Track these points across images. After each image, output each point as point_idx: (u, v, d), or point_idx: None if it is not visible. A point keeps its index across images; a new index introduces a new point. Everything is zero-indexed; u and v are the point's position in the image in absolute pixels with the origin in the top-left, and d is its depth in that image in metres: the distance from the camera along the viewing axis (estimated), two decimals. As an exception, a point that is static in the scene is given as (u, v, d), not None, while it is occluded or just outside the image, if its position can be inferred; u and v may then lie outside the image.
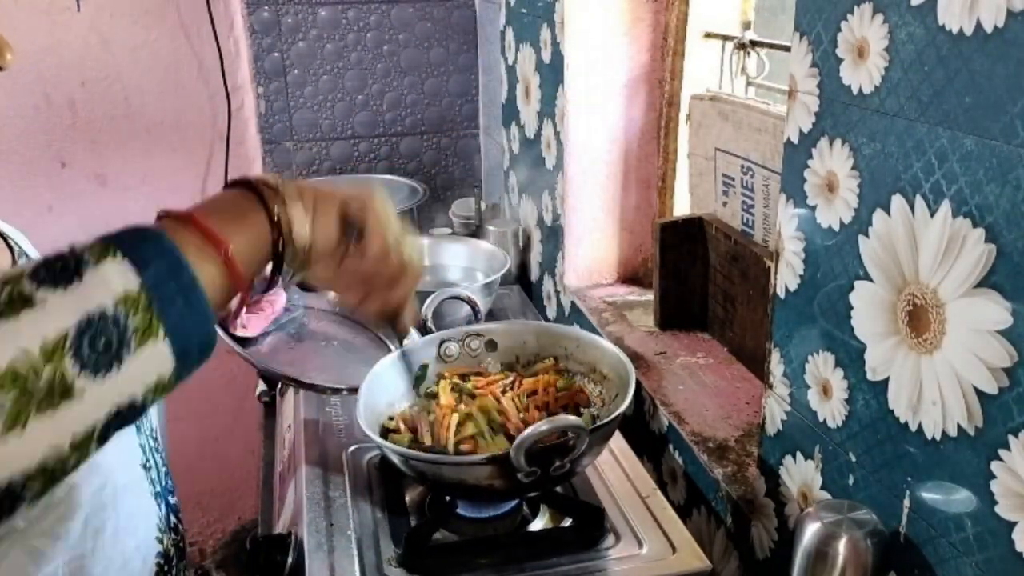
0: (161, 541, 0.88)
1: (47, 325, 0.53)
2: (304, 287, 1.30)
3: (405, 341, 1.00)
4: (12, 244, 0.88)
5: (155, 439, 0.88)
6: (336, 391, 1.30)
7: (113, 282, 0.56)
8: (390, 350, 1.33)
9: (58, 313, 0.54)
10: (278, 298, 1.23)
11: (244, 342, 1.14)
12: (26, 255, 0.88)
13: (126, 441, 0.84)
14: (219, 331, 1.11)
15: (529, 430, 0.92)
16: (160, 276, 0.58)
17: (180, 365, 0.59)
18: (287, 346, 1.23)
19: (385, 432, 1.10)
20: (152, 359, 0.57)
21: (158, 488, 0.90)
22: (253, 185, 0.69)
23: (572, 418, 0.97)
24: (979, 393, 0.70)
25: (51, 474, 0.53)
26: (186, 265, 0.60)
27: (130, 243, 0.59)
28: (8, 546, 0.72)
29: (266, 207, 0.68)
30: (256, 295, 0.76)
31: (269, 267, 0.70)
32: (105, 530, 0.79)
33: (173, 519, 0.93)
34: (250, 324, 1.16)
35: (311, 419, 1.28)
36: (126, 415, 0.57)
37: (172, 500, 0.94)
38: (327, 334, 1.28)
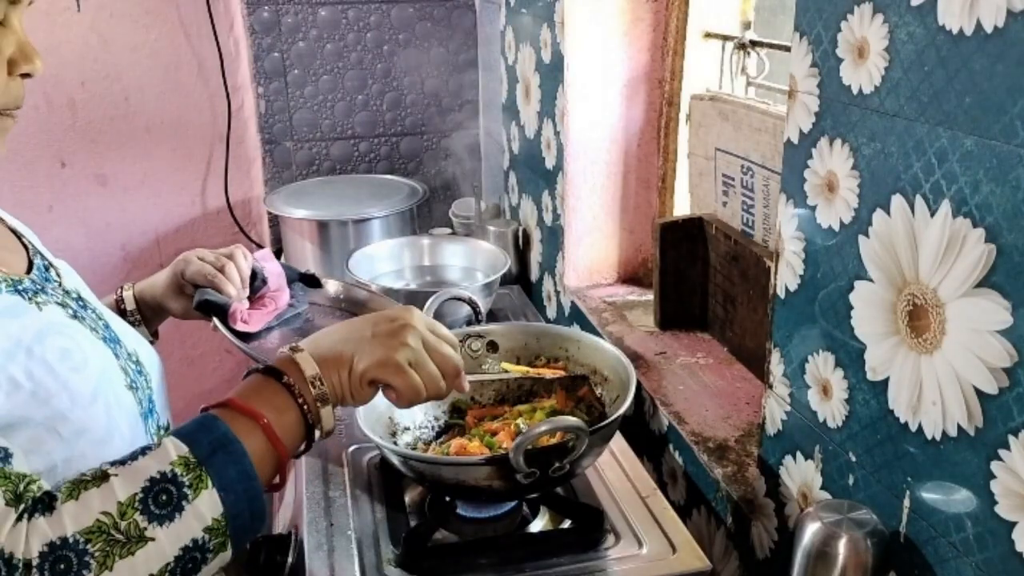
0: None
1: (157, 562, 0.68)
2: (308, 283, 1.30)
3: None
4: (26, 243, 0.89)
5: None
6: None
7: (205, 514, 0.70)
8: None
9: (166, 549, 0.68)
10: (281, 294, 1.23)
11: (246, 337, 1.14)
12: (40, 253, 0.89)
13: (139, 440, 0.84)
14: (221, 327, 1.11)
15: (528, 431, 0.92)
16: (238, 500, 0.73)
17: (234, 556, 0.74)
18: (290, 342, 1.23)
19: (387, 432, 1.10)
20: (217, 563, 0.73)
21: None
22: (278, 373, 0.81)
23: (572, 419, 0.97)
24: (979, 393, 0.70)
25: None
26: (258, 483, 0.74)
27: (219, 467, 0.72)
28: None
29: (303, 413, 0.81)
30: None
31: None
32: None
33: None
34: (252, 320, 1.15)
35: (311, 419, 1.28)
36: None
37: None
38: (330, 329, 1.28)
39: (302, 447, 0.83)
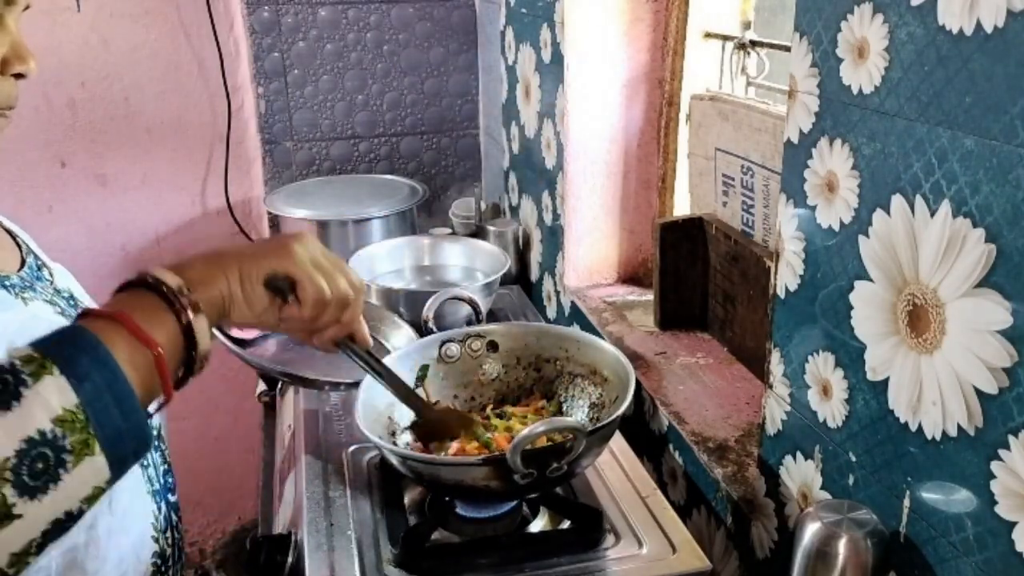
0: (157, 540, 0.88)
1: None
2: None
3: (381, 358, 0.99)
4: (20, 243, 0.90)
5: (155, 436, 0.88)
6: (335, 386, 1.30)
7: (51, 401, 0.58)
8: (389, 350, 1.33)
9: (0, 440, 0.56)
10: None
11: (243, 343, 1.14)
12: (33, 253, 0.90)
13: None
14: (218, 334, 1.11)
15: (525, 431, 0.92)
16: (97, 390, 0.60)
17: (116, 472, 0.62)
18: (285, 347, 1.23)
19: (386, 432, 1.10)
20: (88, 473, 0.59)
21: (156, 486, 0.89)
22: (159, 289, 0.69)
23: (570, 420, 0.97)
24: (979, 393, 0.70)
25: None
26: (121, 375, 0.62)
27: (67, 356, 0.60)
28: None
29: (175, 314, 0.69)
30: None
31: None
32: (98, 526, 0.79)
33: (173, 517, 0.93)
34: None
35: (311, 419, 1.28)
36: (64, 526, 0.60)
37: (172, 498, 0.94)
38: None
39: (183, 363, 0.70)
